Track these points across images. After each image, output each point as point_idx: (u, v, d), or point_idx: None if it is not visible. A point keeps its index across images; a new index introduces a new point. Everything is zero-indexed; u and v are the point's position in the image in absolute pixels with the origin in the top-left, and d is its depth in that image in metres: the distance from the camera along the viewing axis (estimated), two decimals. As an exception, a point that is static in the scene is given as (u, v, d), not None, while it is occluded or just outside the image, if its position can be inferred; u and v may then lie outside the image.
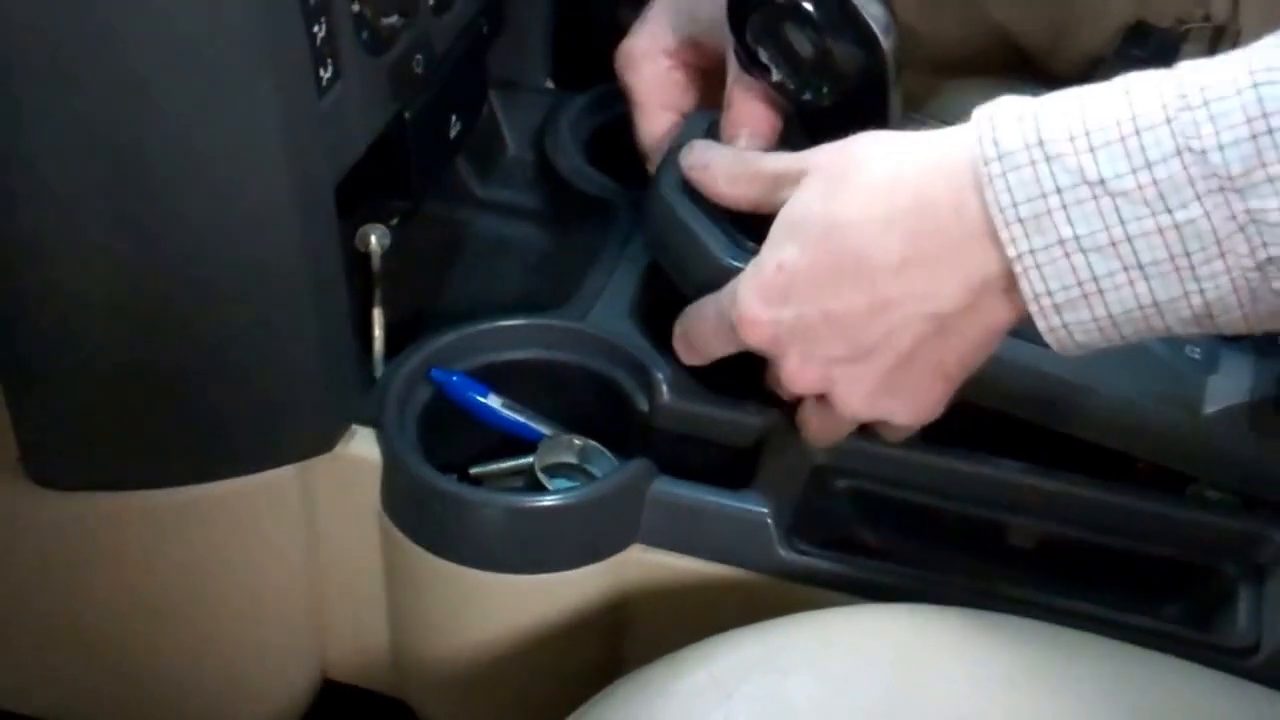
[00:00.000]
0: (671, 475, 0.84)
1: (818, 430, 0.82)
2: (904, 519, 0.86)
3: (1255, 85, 0.65)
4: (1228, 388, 0.82)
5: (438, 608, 0.87)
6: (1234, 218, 0.65)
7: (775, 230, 0.77)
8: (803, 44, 0.83)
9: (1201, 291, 0.67)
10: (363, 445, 0.86)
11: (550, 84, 1.15)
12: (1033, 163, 0.68)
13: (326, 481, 0.87)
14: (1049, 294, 0.69)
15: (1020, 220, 0.68)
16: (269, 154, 0.75)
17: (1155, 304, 0.68)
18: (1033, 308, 0.70)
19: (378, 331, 0.90)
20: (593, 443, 0.87)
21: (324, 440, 0.86)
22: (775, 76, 0.84)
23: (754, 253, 0.78)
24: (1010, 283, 0.70)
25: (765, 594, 0.83)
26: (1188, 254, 0.66)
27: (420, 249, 0.99)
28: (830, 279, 0.74)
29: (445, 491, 0.82)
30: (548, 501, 0.82)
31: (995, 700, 0.69)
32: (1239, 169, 0.65)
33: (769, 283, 0.76)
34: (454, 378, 0.87)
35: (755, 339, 0.78)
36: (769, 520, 0.82)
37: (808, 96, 0.84)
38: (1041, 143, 0.68)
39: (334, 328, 0.82)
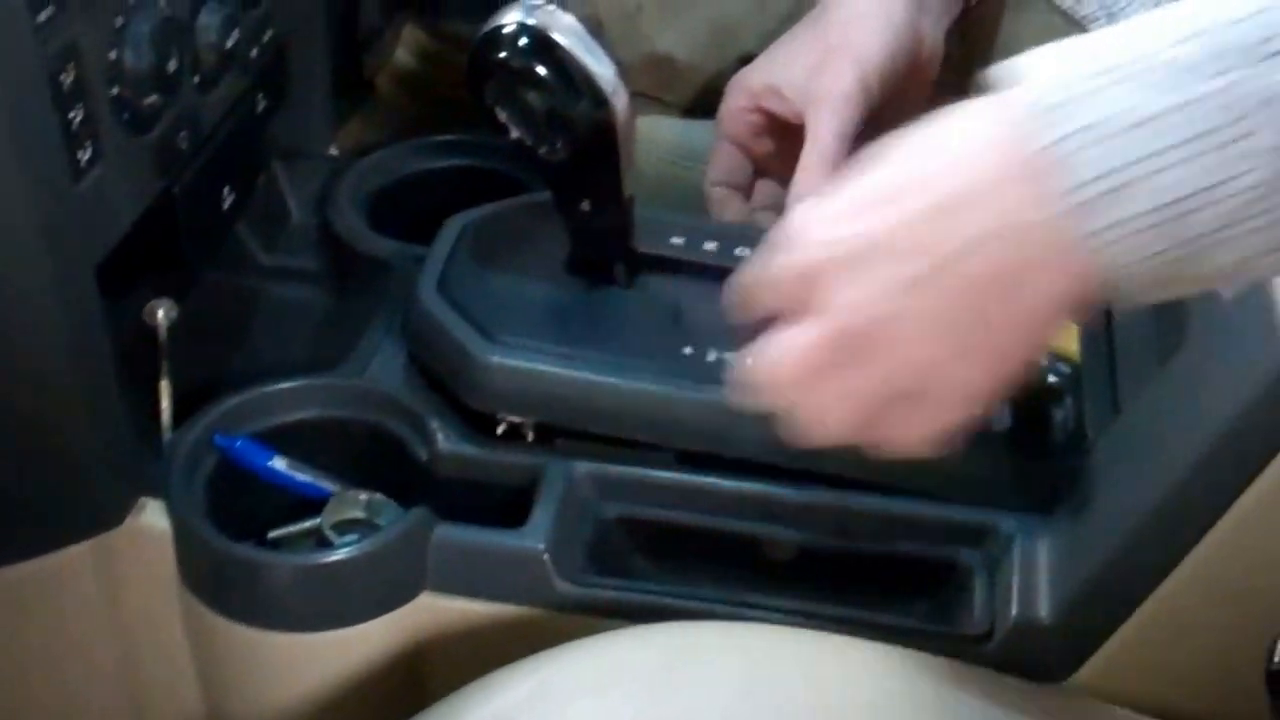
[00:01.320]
0: (456, 520, 0.87)
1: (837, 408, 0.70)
2: (673, 541, 0.89)
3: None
4: None
5: (243, 672, 0.89)
6: (1261, 90, 0.61)
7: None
8: (538, 104, 0.87)
9: (1239, 176, 0.61)
10: (153, 517, 0.88)
11: (334, 151, 1.18)
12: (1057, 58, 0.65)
13: (122, 556, 0.89)
14: (1101, 178, 0.62)
15: (1049, 109, 0.63)
16: (25, 240, 0.77)
17: (1195, 191, 0.62)
18: (1073, 201, 0.63)
19: (165, 403, 0.92)
20: (379, 496, 0.90)
21: (113, 515, 0.88)
22: (514, 134, 0.88)
23: (512, 346, 0.85)
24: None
25: (552, 628, 0.85)
26: (1215, 129, 0.61)
27: (210, 318, 1.02)
28: (898, 195, 0.67)
29: (234, 556, 0.84)
30: (333, 557, 0.84)
31: (750, 701, 0.74)
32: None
33: (829, 201, 0.69)
34: (237, 442, 0.89)
35: (806, 259, 0.69)
36: (545, 556, 0.85)
37: (543, 150, 0.88)
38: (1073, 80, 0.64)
39: (107, 405, 0.85)
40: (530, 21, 0.87)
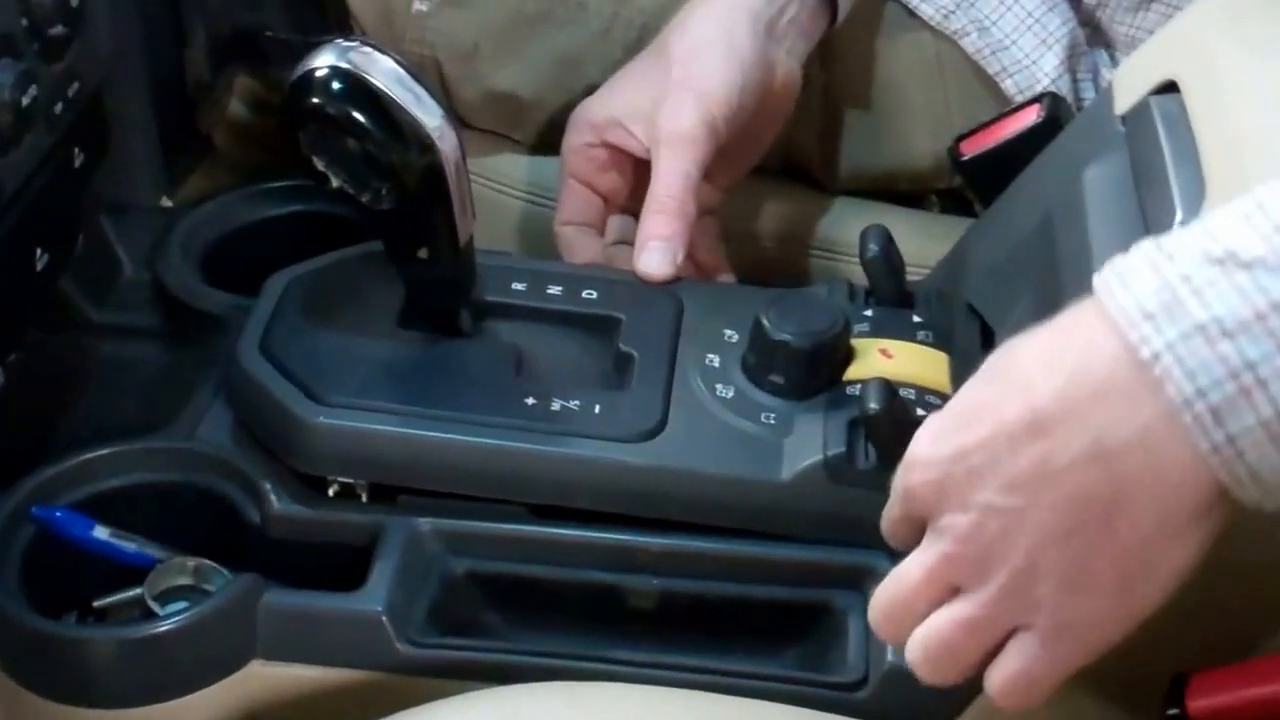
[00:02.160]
0: (293, 584, 0.84)
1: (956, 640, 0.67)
2: (528, 595, 0.86)
3: None
4: (803, 447, 0.85)
5: (69, 753, 0.86)
6: None
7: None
8: (356, 151, 0.85)
9: None
10: (-33, 596, 0.85)
11: (167, 202, 1.15)
12: (1154, 268, 0.61)
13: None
14: (1201, 395, 0.59)
15: (1149, 316, 0.60)
16: None
17: None
18: (1185, 419, 0.60)
19: (-15, 474, 0.89)
20: (207, 562, 0.87)
21: (-75, 595, 0.84)
22: (335, 182, 0.85)
23: (338, 406, 0.85)
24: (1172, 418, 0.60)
25: (395, 691, 0.82)
26: None
27: (36, 380, 0.98)
28: (995, 413, 0.64)
29: (45, 633, 0.81)
30: (153, 628, 0.81)
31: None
32: None
33: (942, 416, 0.67)
34: (57, 513, 0.86)
35: (922, 483, 0.66)
36: (383, 618, 0.82)
37: (367, 199, 0.86)
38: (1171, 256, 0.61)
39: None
40: (344, 65, 0.84)
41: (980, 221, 0.99)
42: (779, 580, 0.85)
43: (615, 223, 1.05)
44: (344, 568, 0.85)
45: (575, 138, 1.05)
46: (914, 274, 1.05)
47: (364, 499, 0.87)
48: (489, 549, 0.86)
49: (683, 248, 0.98)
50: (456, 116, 1.12)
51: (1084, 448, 0.61)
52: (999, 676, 0.67)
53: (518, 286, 0.94)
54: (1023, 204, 0.92)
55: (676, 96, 1.00)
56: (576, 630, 0.85)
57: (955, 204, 1.14)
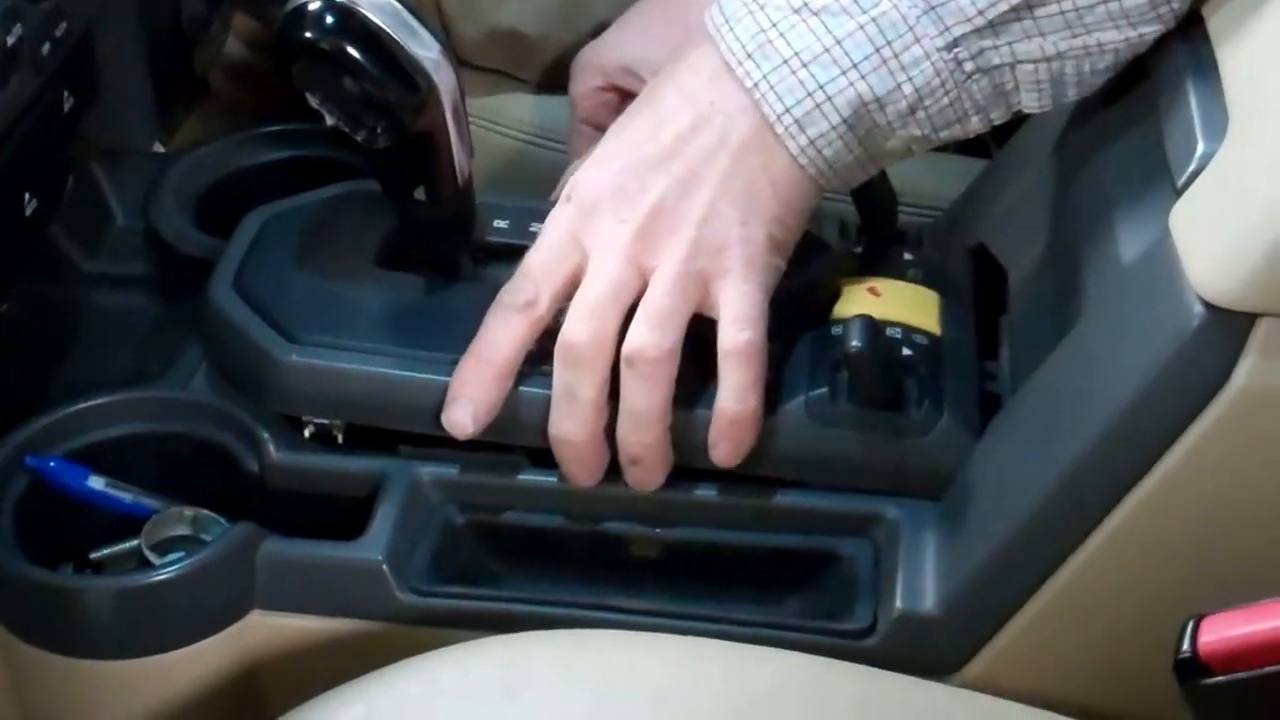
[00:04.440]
0: (292, 534, 0.85)
1: (646, 341, 0.82)
2: (531, 545, 0.88)
3: None
4: (786, 388, 0.85)
5: (67, 706, 0.87)
6: (916, 4, 0.79)
7: None
8: (351, 88, 0.85)
9: (910, 79, 0.80)
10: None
11: (160, 147, 1.16)
12: (750, 13, 0.82)
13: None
14: (789, 110, 0.81)
15: (750, 55, 0.82)
16: None
17: (876, 99, 0.81)
18: (779, 130, 0.81)
19: (-24, 425, 0.90)
20: (205, 512, 0.88)
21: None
22: (329, 121, 0.86)
23: (312, 345, 0.86)
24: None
25: (398, 641, 0.84)
26: (889, 43, 0.80)
27: (27, 330, 0.99)
28: (653, 116, 0.85)
29: (42, 583, 0.82)
30: (151, 578, 0.82)
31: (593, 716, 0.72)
32: None
33: (592, 156, 0.85)
34: (51, 463, 0.87)
35: (590, 194, 0.84)
36: (384, 567, 0.83)
37: (361, 137, 0.86)
38: (762, 5, 0.82)
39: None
40: (336, -1, 0.85)
41: (996, 161, 1.00)
42: (784, 528, 0.86)
43: None
44: (344, 517, 0.87)
45: (584, 82, 1.05)
46: (928, 215, 1.06)
47: (339, 440, 0.88)
48: (490, 497, 0.87)
49: None
50: (457, 56, 1.15)
51: (717, 143, 0.83)
52: (729, 325, 0.82)
53: (500, 224, 0.94)
54: (1039, 141, 0.93)
55: (697, 38, 1.01)
56: (580, 579, 0.86)
57: (970, 144, 1.14)
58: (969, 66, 0.80)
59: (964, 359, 0.89)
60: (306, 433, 0.88)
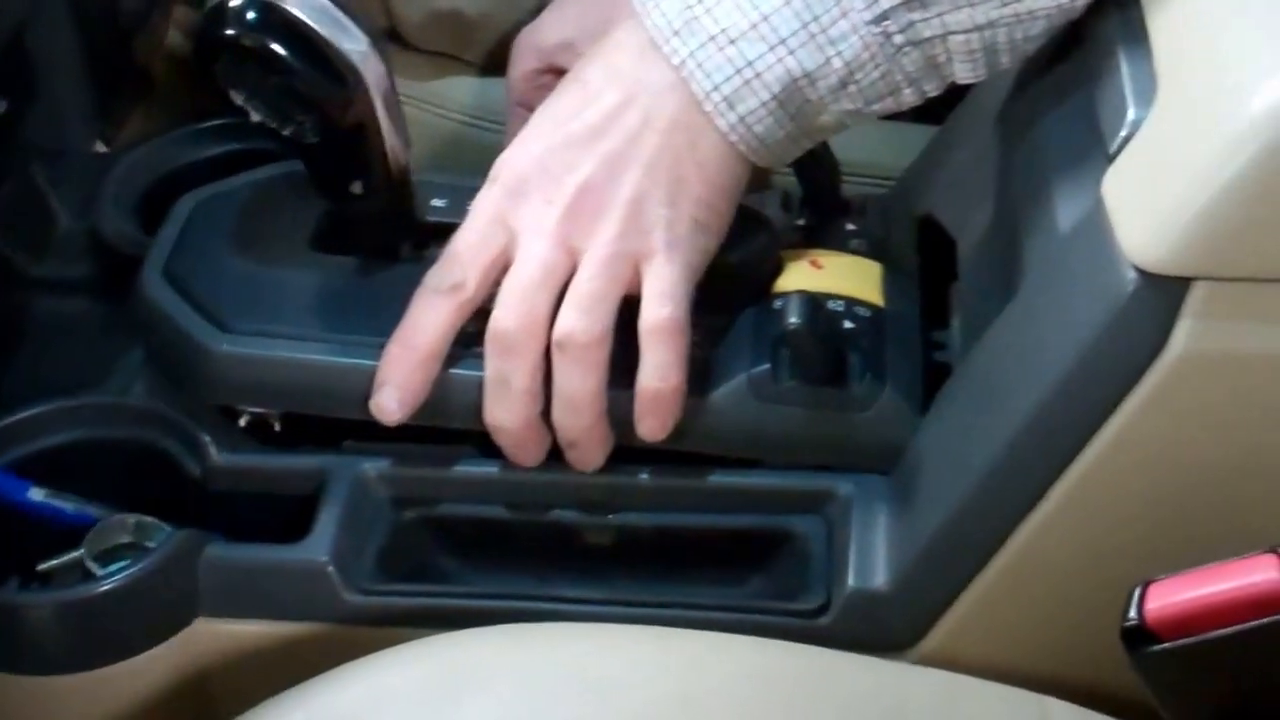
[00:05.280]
0: (240, 537, 0.85)
1: (575, 325, 0.82)
2: (482, 538, 0.87)
3: None
4: (728, 365, 0.85)
5: (15, 724, 0.87)
6: None
7: None
8: (276, 83, 0.85)
9: (840, 53, 0.80)
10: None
11: (104, 146, 1.15)
12: None
13: None
14: (717, 88, 0.81)
15: (676, 32, 0.81)
16: None
17: (806, 74, 0.80)
18: (708, 108, 0.81)
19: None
20: (148, 519, 0.87)
21: None
22: (255, 117, 0.86)
23: (243, 333, 0.85)
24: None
25: (345, 643, 0.83)
26: (816, 18, 0.79)
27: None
28: (579, 94, 0.84)
29: (-19, 600, 0.82)
30: (91, 590, 0.82)
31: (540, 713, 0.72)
32: None
33: (519, 137, 0.85)
34: (-10, 475, 0.87)
35: (517, 174, 0.84)
36: (330, 568, 0.83)
37: (288, 132, 0.86)
38: None
39: None
40: (260, -6, 0.84)
41: (944, 129, 0.99)
42: (736, 509, 0.86)
43: None
44: (292, 517, 0.86)
45: (522, 64, 1.05)
46: (881, 186, 1.05)
47: (276, 428, 0.87)
48: (438, 490, 0.87)
49: None
50: (400, 38, 1.15)
51: (644, 123, 0.82)
52: (650, 301, 0.82)
53: (439, 203, 0.94)
54: (985, 108, 0.92)
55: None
56: (533, 570, 0.86)
57: (923, 112, 1.13)
58: (899, 39, 0.79)
59: (907, 330, 0.89)
60: (242, 422, 0.88)
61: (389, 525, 0.87)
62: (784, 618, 0.82)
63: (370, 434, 0.87)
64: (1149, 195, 0.72)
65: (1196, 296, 0.71)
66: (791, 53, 0.80)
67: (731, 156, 0.82)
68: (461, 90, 1.16)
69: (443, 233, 0.91)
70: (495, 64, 1.14)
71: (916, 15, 0.79)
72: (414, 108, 1.13)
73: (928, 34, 0.79)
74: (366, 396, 0.84)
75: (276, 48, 0.84)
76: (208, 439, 0.88)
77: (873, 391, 0.84)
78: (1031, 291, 0.80)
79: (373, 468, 0.87)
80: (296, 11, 0.85)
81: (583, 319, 0.82)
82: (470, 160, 1.10)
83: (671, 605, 0.83)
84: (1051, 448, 0.76)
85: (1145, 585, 0.71)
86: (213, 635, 0.84)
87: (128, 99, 1.19)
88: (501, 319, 0.82)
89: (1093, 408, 0.75)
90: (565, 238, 0.82)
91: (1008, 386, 0.79)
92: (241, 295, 0.88)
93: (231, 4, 0.84)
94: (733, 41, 0.80)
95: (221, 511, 0.88)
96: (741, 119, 0.81)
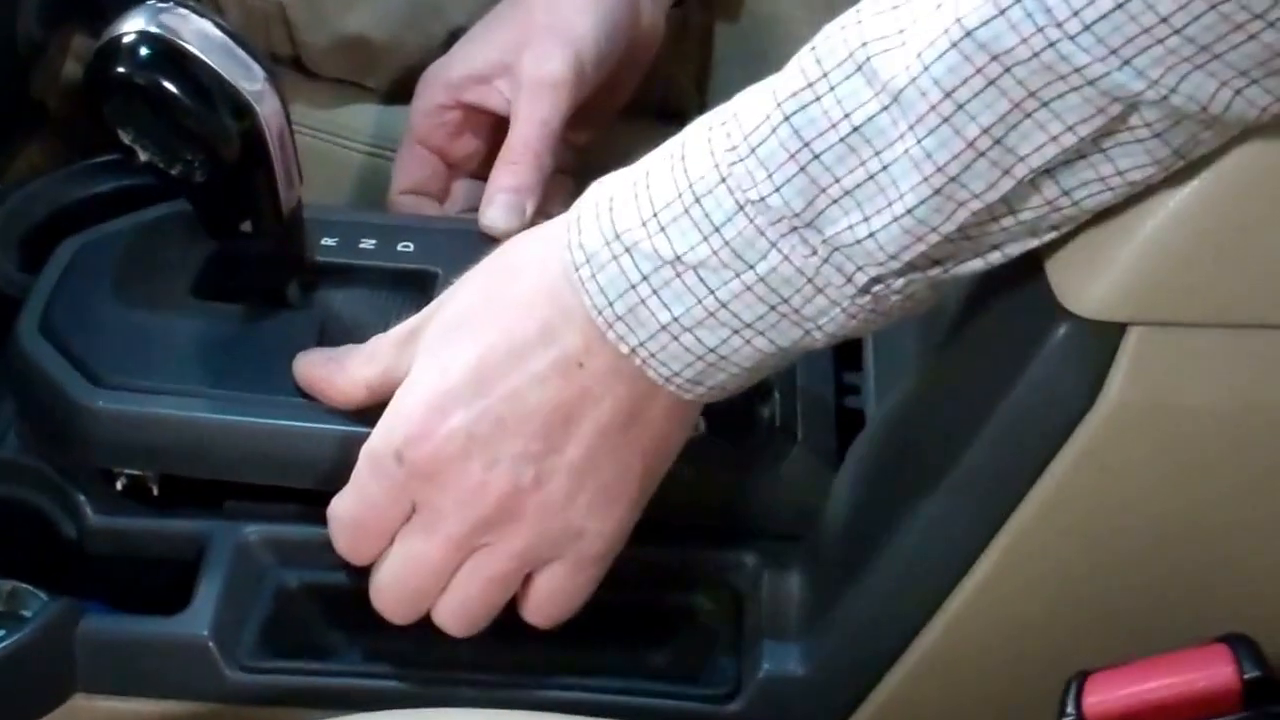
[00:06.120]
0: (121, 603, 0.82)
1: (473, 596, 0.77)
2: (371, 609, 0.82)
3: (785, 117, 0.67)
4: None
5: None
6: (815, 252, 0.68)
7: (424, 345, 0.76)
8: (169, 122, 0.82)
9: (820, 327, 0.70)
10: None
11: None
12: (615, 258, 0.71)
13: None
14: (677, 374, 0.72)
15: (620, 318, 0.71)
16: None
17: (781, 349, 0.71)
18: (670, 389, 0.73)
19: None
20: (23, 585, 0.83)
21: None
22: (143, 157, 0.83)
23: (118, 389, 0.81)
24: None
25: (231, 721, 0.80)
26: (785, 300, 0.69)
27: None
28: (508, 368, 0.74)
29: None
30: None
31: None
32: (801, 203, 0.67)
33: (434, 387, 0.75)
34: None
35: (425, 460, 0.74)
36: (210, 643, 0.79)
37: (176, 171, 0.83)
38: (618, 235, 0.71)
39: None
40: (153, 29, 0.81)
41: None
42: (637, 583, 0.82)
43: (462, 188, 1.02)
44: (170, 584, 0.82)
45: (428, 98, 1.02)
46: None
47: (155, 492, 0.84)
48: (324, 556, 0.82)
49: (534, 202, 0.95)
50: (304, 66, 1.11)
51: (588, 417, 0.73)
52: (537, 601, 0.78)
53: (329, 242, 0.90)
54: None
55: (542, 41, 0.98)
56: (426, 646, 0.81)
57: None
58: (893, 299, 0.70)
59: (820, 374, 0.86)
60: (119, 485, 0.84)
61: (273, 594, 0.83)
62: (689, 702, 0.79)
63: (250, 494, 0.83)
64: (1081, 236, 0.68)
65: (1132, 343, 0.68)
66: (761, 334, 0.70)
67: (688, 414, 0.75)
68: (363, 119, 1.12)
69: (331, 273, 0.89)
70: (399, 92, 1.11)
71: (915, 275, 0.69)
72: (313, 137, 1.11)
73: (926, 289, 0.70)
74: (246, 457, 0.81)
75: (171, 87, 0.81)
76: (83, 498, 0.84)
77: (784, 447, 0.81)
78: (954, 333, 0.77)
79: (255, 532, 0.83)
80: (194, 49, 0.82)
81: (459, 623, 0.78)
82: (371, 191, 1.10)
83: (570, 687, 0.80)
84: (978, 511, 0.73)
85: (1083, 677, 0.69)
86: (91, 713, 0.80)
87: (20, 131, 1.15)
88: (384, 588, 0.78)
89: (1022, 468, 0.71)
90: (469, 542, 0.76)
91: (928, 441, 0.76)
92: (121, 347, 0.85)
93: (125, 40, 0.81)
94: (688, 329, 0.71)
95: (100, 574, 0.84)
96: (711, 389, 0.73)
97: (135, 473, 0.84)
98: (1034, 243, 0.68)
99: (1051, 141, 0.64)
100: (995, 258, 0.69)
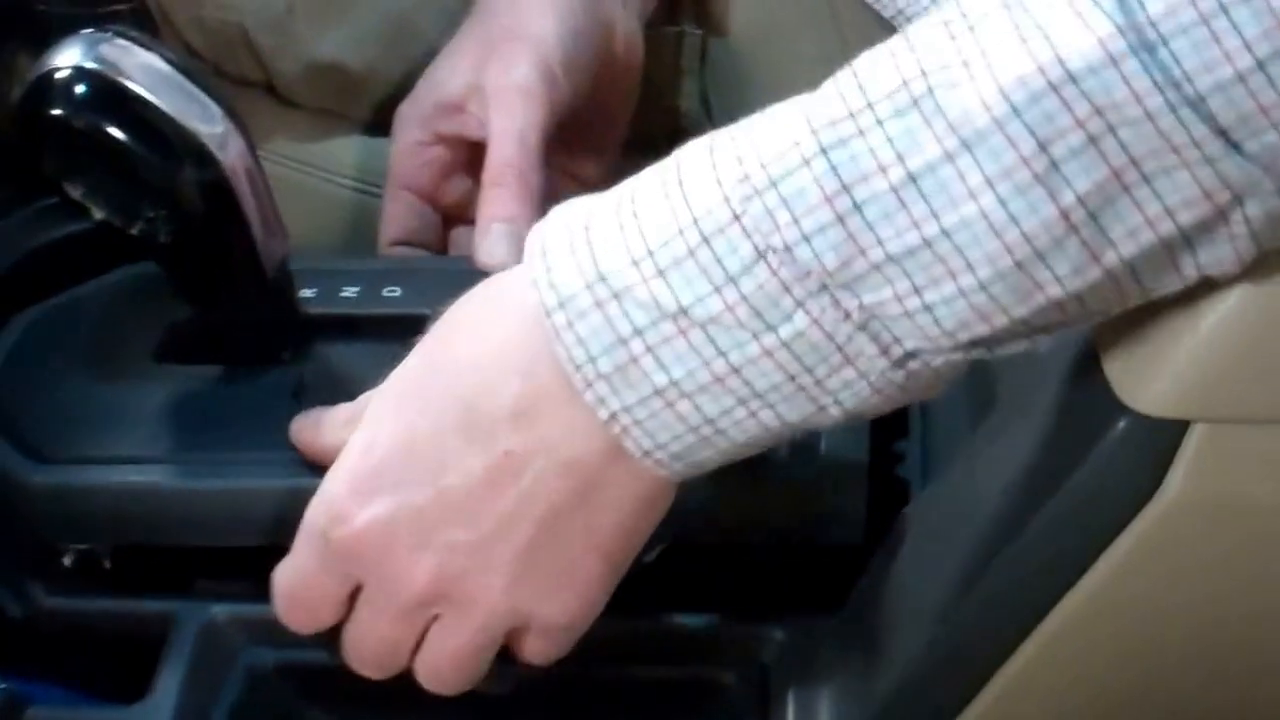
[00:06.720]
0: (79, 689, 0.79)
1: (444, 665, 0.70)
2: (354, 689, 0.76)
3: (822, 149, 0.58)
4: None
5: None
6: (848, 316, 0.59)
7: (366, 416, 0.69)
8: (116, 172, 0.75)
9: (839, 403, 0.61)
10: None
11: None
12: (599, 304, 0.62)
13: None
14: (661, 447, 0.63)
15: (603, 376, 0.62)
16: None
17: (786, 425, 0.63)
18: (645, 464, 0.64)
19: None
20: (-31, 672, 0.78)
21: None
22: (98, 215, 0.76)
23: (59, 462, 0.78)
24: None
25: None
26: (808, 369, 0.60)
27: None
28: (436, 446, 0.66)
29: None
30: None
31: None
32: (834, 261, 0.58)
33: (357, 467, 0.67)
34: None
35: (348, 543, 0.67)
36: None
37: (137, 232, 0.76)
38: (603, 277, 0.61)
39: None
40: (90, 64, 0.74)
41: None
42: (657, 657, 0.79)
43: (460, 235, 0.97)
44: (132, 669, 0.78)
45: (404, 136, 0.96)
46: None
47: (107, 566, 0.80)
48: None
49: (529, 224, 0.89)
50: (277, 94, 1.05)
51: (539, 497, 0.65)
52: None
53: (307, 294, 0.85)
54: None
55: (505, 46, 0.93)
56: None
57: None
58: (926, 376, 0.62)
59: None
60: (67, 560, 0.80)
61: (245, 676, 0.79)
62: None
63: (219, 570, 0.80)
64: (1138, 331, 0.63)
65: (1195, 438, 0.64)
66: (770, 406, 0.62)
67: (661, 492, 0.66)
68: (348, 151, 1.07)
69: (306, 327, 0.84)
70: (381, 121, 1.05)
71: (959, 355, 0.61)
72: (293, 170, 1.05)
73: (969, 359, 0.62)
74: (190, 522, 0.77)
75: (115, 132, 0.74)
76: (29, 579, 0.80)
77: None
78: (1008, 415, 0.73)
79: (223, 611, 0.79)
80: (136, 87, 0.75)
81: (441, 688, 0.71)
82: (358, 228, 1.05)
83: None
84: (1026, 597, 0.69)
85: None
86: (36, 815, 0.76)
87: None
88: (343, 641, 0.71)
89: (1077, 553, 0.67)
90: (414, 617, 0.69)
91: (980, 525, 0.71)
92: (65, 421, 0.81)
93: (57, 75, 0.74)
94: (687, 395, 0.62)
95: (54, 657, 0.80)
96: (689, 465, 0.65)
97: (82, 547, 0.79)
98: (1087, 324, 0.62)
99: (1147, 227, 0.56)
100: (1043, 341, 0.61)
